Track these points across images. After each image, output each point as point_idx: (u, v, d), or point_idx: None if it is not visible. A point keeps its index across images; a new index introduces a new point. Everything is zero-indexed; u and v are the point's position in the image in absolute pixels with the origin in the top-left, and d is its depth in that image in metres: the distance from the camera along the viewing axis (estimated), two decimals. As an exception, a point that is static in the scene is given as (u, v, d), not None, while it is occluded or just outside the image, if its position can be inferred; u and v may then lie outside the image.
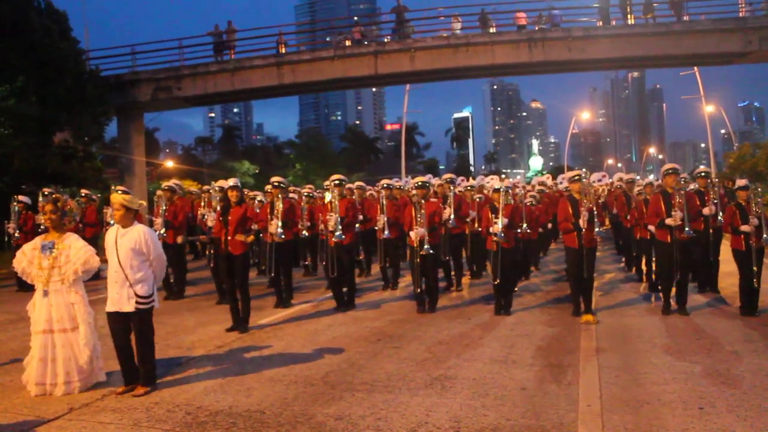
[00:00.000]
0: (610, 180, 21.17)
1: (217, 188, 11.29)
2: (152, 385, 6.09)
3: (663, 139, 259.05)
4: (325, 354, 7.38)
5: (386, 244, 11.96)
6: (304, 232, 11.89)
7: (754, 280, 9.10)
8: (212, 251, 11.03)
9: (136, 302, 5.97)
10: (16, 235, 13.46)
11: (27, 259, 6.32)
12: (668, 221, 9.18)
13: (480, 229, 11.29)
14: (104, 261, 6.23)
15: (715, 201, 10.99)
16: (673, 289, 9.36)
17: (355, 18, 32.46)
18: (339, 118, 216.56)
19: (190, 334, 8.66)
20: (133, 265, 5.99)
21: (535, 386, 6.03)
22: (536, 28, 26.67)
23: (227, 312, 9.05)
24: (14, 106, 20.60)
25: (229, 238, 8.83)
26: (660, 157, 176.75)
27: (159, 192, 12.65)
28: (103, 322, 6.26)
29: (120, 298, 5.98)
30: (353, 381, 6.26)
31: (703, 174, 11.43)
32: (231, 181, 9.35)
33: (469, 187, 13.32)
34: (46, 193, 13.60)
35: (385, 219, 11.38)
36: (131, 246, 5.97)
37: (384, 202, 11.62)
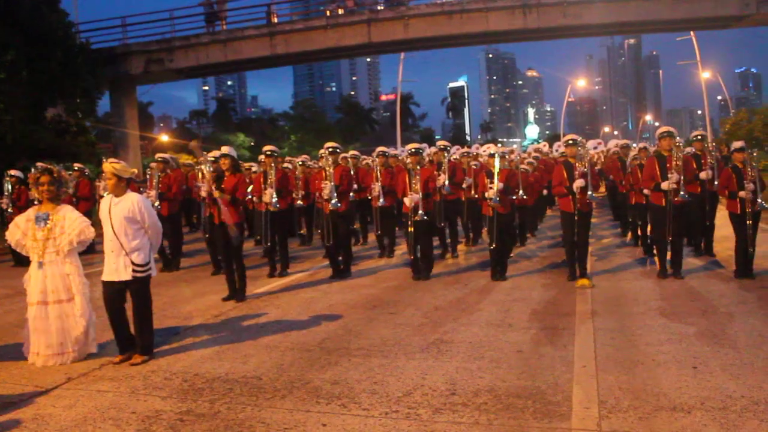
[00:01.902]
0: (606, 147, 21.11)
1: (211, 159, 11.23)
2: (149, 354, 6.10)
3: (659, 106, 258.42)
4: (321, 321, 7.40)
5: (381, 212, 11.93)
6: (299, 201, 11.85)
7: (748, 244, 9.10)
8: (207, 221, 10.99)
9: (133, 270, 5.96)
10: (10, 210, 13.41)
11: (21, 231, 6.29)
12: (664, 185, 9.15)
13: (476, 196, 11.30)
14: (100, 234, 6.21)
15: (712, 164, 10.96)
16: (669, 253, 9.38)
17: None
18: (334, 89, 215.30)
19: (187, 304, 8.68)
20: (128, 233, 5.97)
21: (531, 349, 6.06)
22: (531, -7, 26.40)
23: (223, 282, 9.06)
24: (4, 80, 20.41)
25: (223, 207, 8.80)
26: (656, 124, 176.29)
27: (152, 164, 12.58)
28: (99, 294, 6.26)
29: (117, 268, 5.97)
30: (349, 347, 6.28)
31: (699, 137, 11.40)
32: (223, 149, 9.31)
33: (465, 154, 13.27)
34: (39, 166, 13.55)
35: (380, 187, 11.34)
36: (125, 214, 5.95)
37: (379, 170, 11.58)
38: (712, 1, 25.13)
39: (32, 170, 13.78)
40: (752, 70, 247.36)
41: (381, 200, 11.33)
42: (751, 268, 9.16)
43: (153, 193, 11.52)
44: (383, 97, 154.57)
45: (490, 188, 9.34)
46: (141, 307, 6.06)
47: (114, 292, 6.03)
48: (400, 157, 14.92)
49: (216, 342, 6.65)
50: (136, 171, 8.46)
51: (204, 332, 7.12)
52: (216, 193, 8.82)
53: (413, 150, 10.10)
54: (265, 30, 27.34)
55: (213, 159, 9.58)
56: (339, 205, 9.98)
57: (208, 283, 10.41)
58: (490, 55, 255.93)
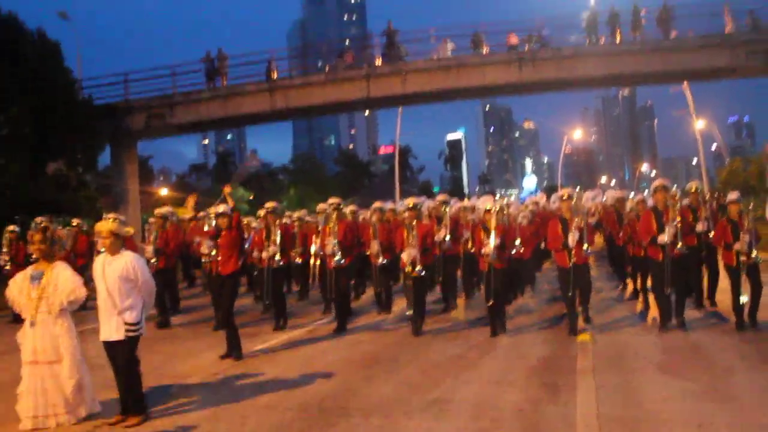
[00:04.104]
0: (605, 198, 21.19)
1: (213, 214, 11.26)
2: (144, 413, 6.02)
3: (655, 156, 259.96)
4: (320, 379, 7.32)
5: (380, 269, 11.91)
6: (297, 259, 11.89)
7: (743, 295, 9.07)
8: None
9: (126, 330, 5.93)
10: (8, 267, 13.37)
11: (18, 287, 6.28)
12: (660, 239, 9.17)
13: (473, 250, 11.29)
14: (93, 291, 6.19)
15: (707, 216, 10.99)
16: (670, 306, 9.33)
17: (347, 41, 32.64)
18: (332, 142, 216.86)
19: (184, 362, 8.60)
20: (121, 291, 5.96)
21: (532, 408, 5.99)
22: (526, 48, 26.83)
23: (222, 339, 8.98)
24: (8, 135, 20.64)
25: (220, 259, 8.81)
26: (653, 174, 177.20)
27: (151, 219, 12.64)
28: (95, 352, 6.22)
29: (110, 327, 5.95)
30: (348, 406, 6.21)
31: (694, 189, 11.47)
32: (220, 208, 9.35)
33: (464, 208, 13.29)
34: (38, 221, 13.57)
35: (378, 244, 11.32)
36: (119, 273, 5.95)
37: (376, 226, 11.59)
38: (703, 54, 25.55)
39: (32, 225, 13.86)
40: (745, 119, 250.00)
41: (380, 259, 11.24)
42: (754, 319, 9.12)
43: (150, 248, 11.52)
44: (381, 150, 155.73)
45: (487, 244, 9.35)
46: (129, 366, 6.01)
47: (111, 353, 6.00)
48: (398, 211, 14.94)
49: (214, 402, 6.57)
50: (132, 230, 8.50)
51: (202, 391, 7.04)
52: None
53: (410, 205, 10.15)
54: (264, 86, 27.68)
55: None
56: (342, 261, 10.01)
57: (207, 339, 10.30)
58: (488, 108, 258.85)
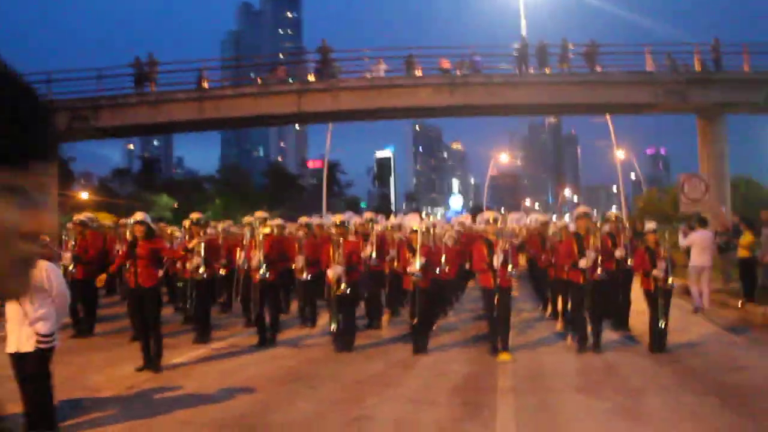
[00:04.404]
0: (528, 220, 21.68)
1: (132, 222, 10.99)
2: (53, 429, 5.76)
3: (578, 182, 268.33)
4: (239, 395, 7.19)
5: (305, 284, 11.84)
6: (221, 270, 11.69)
7: (661, 320, 9.45)
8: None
9: (37, 341, 5.67)
10: None
11: None
12: (581, 263, 9.46)
13: (399, 268, 11.38)
14: None
15: (626, 243, 11.41)
16: (588, 328, 9.61)
17: (281, 55, 32.48)
18: (261, 153, 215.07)
19: (97, 374, 8.30)
20: (33, 301, 5.69)
21: (453, 426, 6.04)
22: (458, 73, 27.31)
23: (138, 350, 8.72)
24: None
25: (138, 270, 8.57)
26: (575, 199, 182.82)
27: (69, 225, 12.20)
28: (4, 362, 5.92)
29: (19, 338, 5.66)
30: (268, 422, 6.12)
31: (613, 218, 11.90)
32: (138, 216, 9.10)
33: (390, 227, 13.38)
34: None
35: (304, 259, 11.27)
36: (32, 282, 5.68)
37: (302, 241, 11.53)
38: (624, 89, 26.65)
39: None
40: (662, 152, 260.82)
41: (305, 274, 11.21)
42: (664, 342, 9.48)
43: (68, 255, 11.12)
44: (310, 164, 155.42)
45: (412, 263, 9.43)
46: (40, 380, 5.72)
47: (17, 365, 5.70)
48: (325, 226, 14.90)
49: (127, 416, 6.36)
50: (48, 237, 8.19)
51: (115, 405, 6.81)
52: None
53: (338, 223, 10.15)
54: (195, 94, 27.22)
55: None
56: (267, 275, 9.90)
57: (123, 350, 9.97)
58: (417, 127, 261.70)
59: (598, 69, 27.01)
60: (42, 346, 5.68)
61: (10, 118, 0.89)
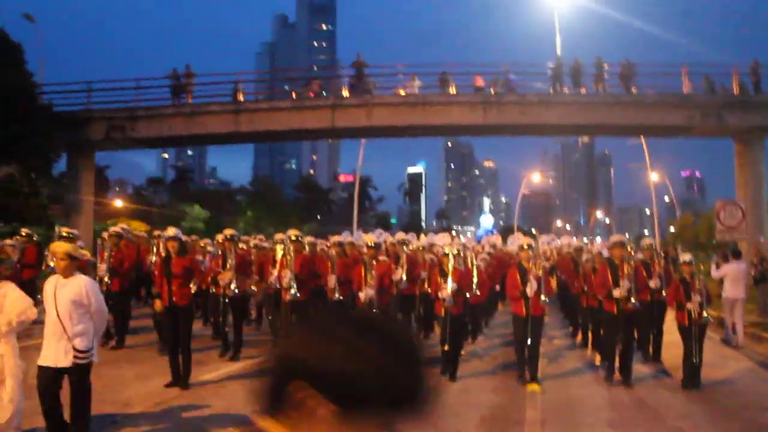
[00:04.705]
0: (560, 244, 21.50)
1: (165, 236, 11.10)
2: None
3: (610, 204, 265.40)
4: (267, 416, 7.16)
5: (336, 303, 11.82)
6: (252, 286, 11.73)
7: (695, 355, 9.26)
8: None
9: (74, 356, 5.73)
10: None
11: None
12: (615, 293, 9.32)
13: (429, 290, 11.33)
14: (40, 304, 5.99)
15: (660, 273, 11.23)
16: (618, 359, 9.45)
17: (315, 68, 32.73)
18: (293, 166, 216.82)
19: (127, 389, 8.37)
20: (72, 317, 5.77)
21: (480, 459, 5.95)
22: (492, 92, 27.26)
23: (168, 365, 8.77)
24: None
25: (173, 288, 8.64)
26: (607, 221, 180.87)
27: (104, 235, 12.36)
28: (34, 372, 5.99)
29: (57, 353, 5.73)
30: (295, 447, 6.08)
31: (648, 246, 11.72)
32: (170, 232, 9.18)
33: (421, 248, 13.34)
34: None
35: (336, 279, 11.27)
36: (72, 297, 5.76)
37: (334, 261, 11.53)
38: (660, 112, 26.34)
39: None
40: (697, 174, 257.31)
41: (337, 294, 11.19)
42: (698, 378, 9.28)
43: (104, 267, 11.25)
44: (342, 178, 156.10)
45: (443, 288, 9.36)
46: (80, 395, 5.81)
47: (50, 378, 5.76)
48: (356, 244, 14.91)
49: (156, 434, 6.39)
50: (88, 254, 8.39)
51: (144, 422, 6.85)
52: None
53: (371, 245, 10.14)
54: (230, 107, 27.52)
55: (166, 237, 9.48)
56: (298, 295, 9.92)
57: (153, 364, 10.06)
58: (449, 144, 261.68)
59: (633, 90, 26.77)
60: (79, 361, 5.75)
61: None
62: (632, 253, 10.89)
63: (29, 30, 31.11)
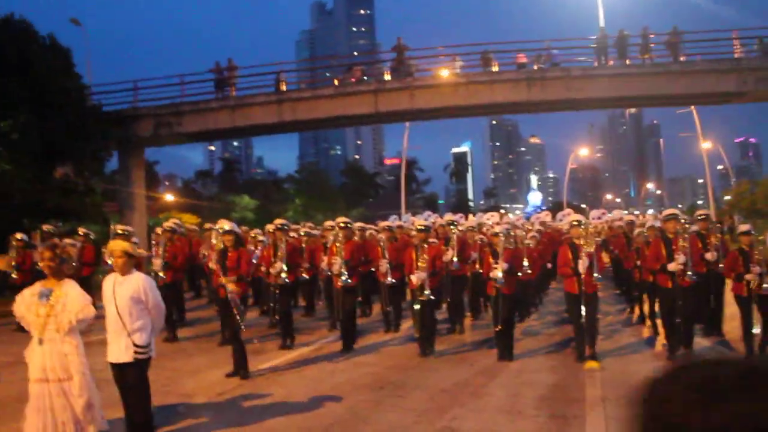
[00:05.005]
0: (611, 218, 21.13)
1: (219, 230, 11.28)
2: (152, 437, 5.99)
3: (661, 174, 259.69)
4: (326, 403, 7.28)
5: (389, 287, 11.90)
6: (304, 274, 11.89)
7: (755, 326, 9.06)
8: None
9: (134, 351, 5.90)
10: (14, 275, 13.36)
11: (25, 304, 6.24)
12: (670, 267, 9.15)
13: (480, 270, 11.32)
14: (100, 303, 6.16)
15: (716, 244, 10.96)
16: (678, 334, 9.29)
17: (355, 53, 32.70)
18: (338, 152, 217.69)
19: (190, 380, 8.56)
20: (132, 313, 5.92)
21: (541, 439, 5.94)
22: (535, 68, 26.87)
23: (228, 355, 8.96)
24: (17, 141, 20.69)
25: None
26: (658, 192, 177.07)
27: (158, 230, 12.65)
28: (102, 366, 6.18)
29: (118, 349, 5.91)
30: (356, 433, 6.17)
31: (703, 217, 11.44)
32: (226, 226, 9.33)
33: (469, 228, 13.28)
34: (45, 229, 13.61)
35: (387, 263, 11.34)
36: (130, 294, 5.92)
37: (384, 245, 11.60)
38: (711, 78, 25.54)
39: (38, 232, 13.89)
40: (751, 140, 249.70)
41: (389, 278, 11.26)
42: (763, 351, 9.07)
43: (158, 261, 11.51)
44: (387, 162, 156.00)
45: (495, 268, 9.32)
46: (139, 389, 5.97)
47: (118, 374, 5.96)
48: (405, 227, 14.94)
49: (219, 424, 6.54)
50: (145, 252, 8.65)
51: (207, 412, 7.01)
52: (230, 287, 8.77)
53: (421, 228, 10.13)
54: (273, 97, 27.70)
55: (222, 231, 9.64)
56: (349, 281, 10.00)
57: (212, 354, 10.28)
58: (494, 122, 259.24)
59: (682, 58, 26.05)
60: (139, 356, 5.91)
61: None
62: (686, 227, 10.67)
63: (76, 33, 31.86)
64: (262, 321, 13.18)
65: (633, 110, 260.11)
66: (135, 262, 6.19)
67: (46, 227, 14.53)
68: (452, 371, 8.85)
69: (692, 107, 39.05)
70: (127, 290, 5.94)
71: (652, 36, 26.62)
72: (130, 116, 28.17)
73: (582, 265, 9.00)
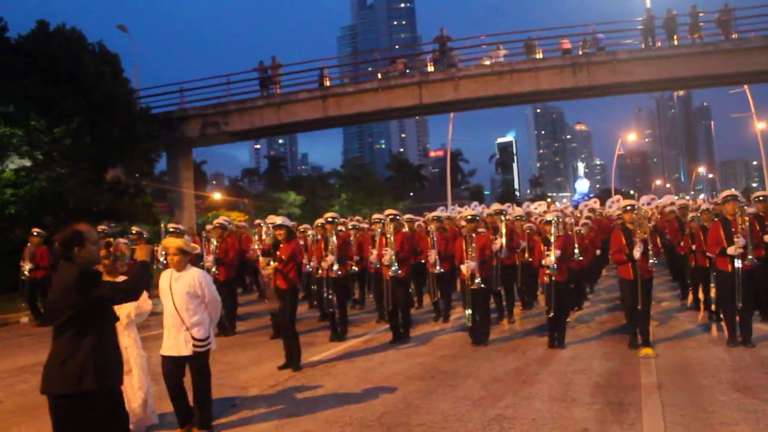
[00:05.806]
0: (662, 203, 20.70)
1: (270, 224, 11.39)
2: (208, 428, 6.09)
3: (712, 158, 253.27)
4: (379, 393, 7.29)
5: (438, 278, 11.89)
6: (354, 266, 11.95)
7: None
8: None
9: (194, 345, 5.99)
10: (27, 273, 13.79)
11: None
12: (730, 250, 8.90)
13: (530, 259, 11.24)
14: (156, 296, 6.27)
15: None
16: (737, 319, 9.04)
17: (396, 46, 32.61)
18: (383, 146, 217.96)
19: (243, 373, 8.68)
20: (189, 308, 6.03)
21: (597, 427, 5.85)
22: (580, 53, 26.42)
23: (279, 348, 9.06)
24: (70, 146, 21.25)
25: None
26: (710, 176, 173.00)
27: (208, 227, 12.85)
28: (156, 361, 6.30)
29: (177, 343, 6.01)
30: (409, 422, 6.16)
31: (762, 198, 11.09)
32: (278, 220, 9.44)
33: (518, 217, 13.16)
34: (99, 230, 13.93)
35: (436, 253, 11.33)
36: (187, 290, 6.02)
37: (434, 236, 11.60)
38: (766, 55, 24.71)
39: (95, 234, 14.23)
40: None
41: (438, 268, 11.30)
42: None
43: (210, 258, 11.68)
44: (432, 154, 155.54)
45: (547, 256, 9.23)
46: (201, 381, 6.08)
47: (173, 367, 6.06)
48: (453, 218, 14.89)
49: (274, 415, 6.60)
50: (198, 248, 8.79)
51: (261, 404, 7.08)
52: (270, 267, 8.95)
53: (469, 217, 10.07)
54: (317, 93, 27.86)
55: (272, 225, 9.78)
56: (399, 272, 10.03)
57: (264, 348, 10.42)
58: (538, 110, 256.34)
59: (734, 36, 25.27)
60: (198, 350, 6.01)
61: None
62: (744, 208, 10.35)
63: (124, 39, 32.54)
64: (312, 314, 13.30)
65: (681, 93, 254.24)
66: (189, 259, 6.29)
67: (99, 228, 14.87)
68: (504, 360, 8.78)
69: (745, 86, 37.92)
70: (183, 286, 6.04)
71: (701, 15, 25.89)
72: (178, 117, 28.67)
73: (637, 250, 8.82)
